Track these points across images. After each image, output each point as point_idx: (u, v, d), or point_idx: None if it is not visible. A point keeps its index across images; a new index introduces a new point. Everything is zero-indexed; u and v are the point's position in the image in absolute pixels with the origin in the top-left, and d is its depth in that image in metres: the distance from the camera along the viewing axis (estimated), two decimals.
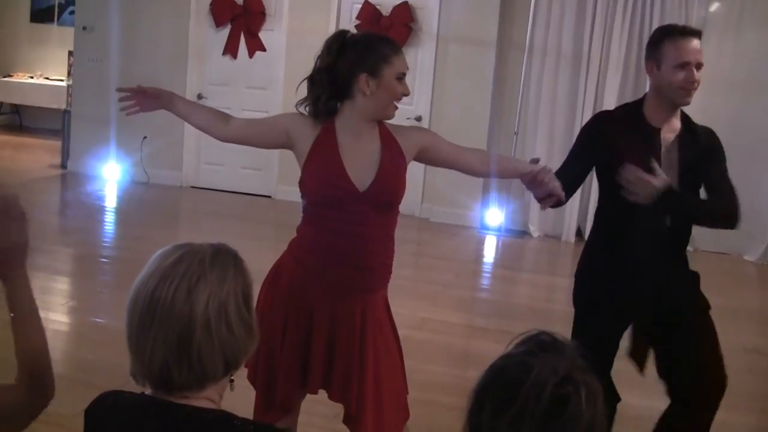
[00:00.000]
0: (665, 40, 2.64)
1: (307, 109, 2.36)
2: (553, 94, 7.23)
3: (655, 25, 6.83)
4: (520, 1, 7.21)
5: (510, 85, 7.32)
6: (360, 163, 2.32)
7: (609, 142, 2.69)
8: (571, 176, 2.73)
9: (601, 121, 2.87)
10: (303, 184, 2.37)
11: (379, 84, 2.30)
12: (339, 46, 2.32)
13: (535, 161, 2.56)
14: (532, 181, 2.50)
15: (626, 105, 2.89)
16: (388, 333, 2.50)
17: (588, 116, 6.89)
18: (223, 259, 1.37)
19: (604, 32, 7.11)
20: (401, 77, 2.35)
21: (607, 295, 2.75)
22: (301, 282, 2.36)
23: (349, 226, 2.32)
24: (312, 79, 2.34)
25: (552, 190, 2.49)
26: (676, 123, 2.73)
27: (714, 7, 7.14)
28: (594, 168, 2.87)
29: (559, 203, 2.62)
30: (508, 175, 2.72)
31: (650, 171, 2.50)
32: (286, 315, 2.36)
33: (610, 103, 7.04)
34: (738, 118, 6.90)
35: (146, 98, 2.44)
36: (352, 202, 2.31)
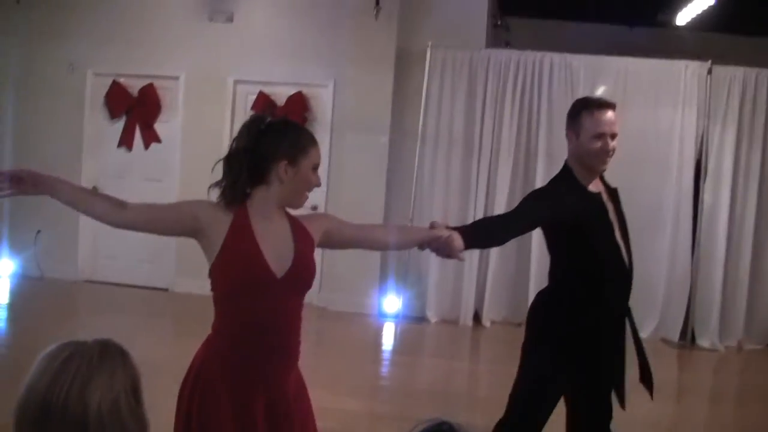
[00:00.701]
0: (583, 112, 2.97)
1: (222, 193, 2.35)
2: (447, 180, 7.47)
3: (544, 110, 7.22)
4: (412, 89, 7.50)
5: (404, 172, 7.54)
6: (276, 248, 2.33)
7: (564, 207, 2.94)
8: (515, 224, 2.99)
9: (548, 192, 3.10)
10: (217, 273, 2.32)
11: (297, 173, 2.34)
12: (258, 130, 2.34)
13: (434, 225, 2.74)
14: (432, 244, 2.67)
15: (556, 179, 3.09)
16: (309, 404, 2.56)
17: (482, 200, 7.21)
18: (111, 356, 1.39)
19: (494, 118, 7.42)
20: (315, 168, 2.40)
21: (594, 347, 3.01)
22: (231, 377, 2.31)
23: (267, 314, 2.31)
24: (230, 161, 2.34)
25: (452, 252, 2.66)
26: (599, 183, 3.08)
27: (600, 91, 7.49)
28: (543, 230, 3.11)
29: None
30: (410, 243, 2.84)
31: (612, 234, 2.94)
32: (220, 412, 2.30)
33: (503, 187, 7.34)
34: (625, 195, 7.17)
35: (21, 183, 2.31)
36: (270, 288, 2.29)
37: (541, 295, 3.19)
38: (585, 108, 3.00)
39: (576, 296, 3.04)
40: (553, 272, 3.14)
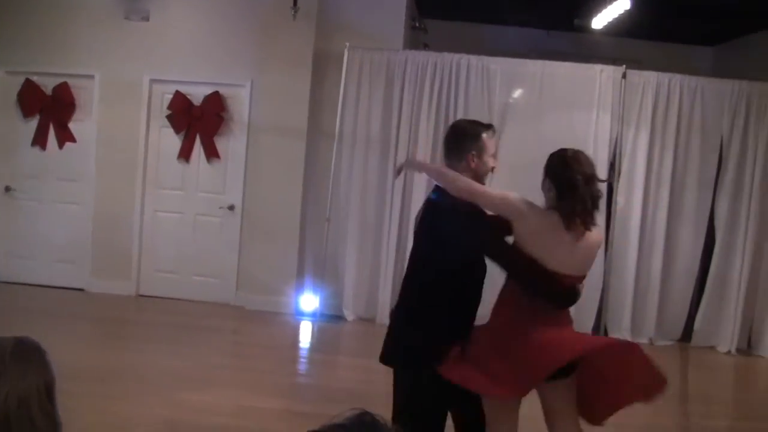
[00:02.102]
0: (483, 135, 3.43)
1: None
2: (364, 180, 7.86)
3: (461, 111, 7.65)
4: (329, 90, 7.88)
5: (321, 171, 7.92)
6: None
7: None
8: None
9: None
10: None
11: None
12: None
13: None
14: None
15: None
16: None
17: (398, 200, 7.64)
18: (25, 353, 1.43)
19: (411, 119, 7.82)
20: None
21: None
22: None
23: None
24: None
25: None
26: None
27: (516, 94, 8.02)
28: None
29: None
30: None
31: None
32: None
33: (419, 187, 7.72)
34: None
35: None
36: None
37: None
38: (485, 130, 3.48)
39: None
40: None
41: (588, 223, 3.24)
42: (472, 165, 3.42)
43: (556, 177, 3.27)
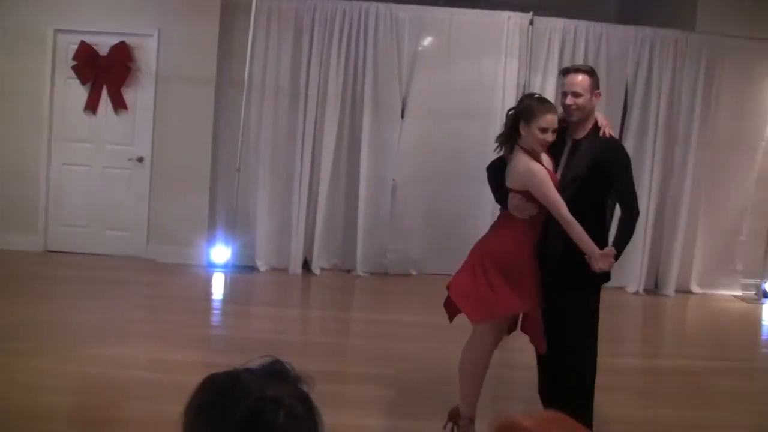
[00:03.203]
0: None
1: None
2: (274, 130, 8.13)
3: (370, 60, 7.99)
4: (238, 39, 8.11)
5: (231, 121, 8.16)
6: None
7: None
8: None
9: None
10: None
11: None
12: None
13: None
14: None
15: None
16: None
17: (309, 149, 7.97)
18: None
19: (321, 68, 8.12)
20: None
21: None
22: None
23: None
24: None
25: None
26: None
27: (426, 41, 8.43)
28: None
29: None
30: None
31: None
32: None
33: (330, 136, 8.08)
34: (452, 144, 8.20)
35: None
36: None
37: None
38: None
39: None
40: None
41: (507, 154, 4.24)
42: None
43: None
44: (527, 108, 3.99)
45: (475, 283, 4.04)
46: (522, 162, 4.00)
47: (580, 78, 4.09)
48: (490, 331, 4.15)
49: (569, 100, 4.05)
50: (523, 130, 3.98)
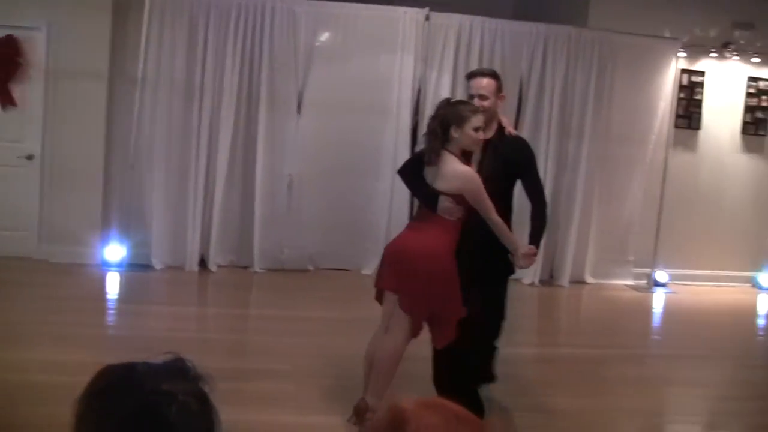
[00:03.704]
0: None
1: None
2: (169, 126, 8.71)
3: (266, 55, 8.55)
4: (132, 33, 8.65)
5: (124, 117, 8.68)
6: None
7: None
8: None
9: None
10: None
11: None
12: None
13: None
14: None
15: None
16: None
17: (204, 146, 8.40)
18: None
19: (216, 64, 8.71)
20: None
21: None
22: None
23: None
24: None
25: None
26: None
27: (323, 37, 8.74)
28: None
29: None
30: None
31: None
32: None
33: (225, 132, 8.71)
34: (348, 139, 8.66)
35: None
36: None
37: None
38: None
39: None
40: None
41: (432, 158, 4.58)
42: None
43: None
44: (456, 113, 4.50)
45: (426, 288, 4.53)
46: (456, 167, 4.50)
47: (486, 81, 4.67)
48: (412, 326, 4.62)
49: (477, 103, 4.59)
50: (456, 134, 4.47)
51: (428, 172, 4.56)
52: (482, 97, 4.60)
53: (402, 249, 4.63)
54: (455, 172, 4.48)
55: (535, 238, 4.71)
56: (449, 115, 4.49)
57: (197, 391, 1.42)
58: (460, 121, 4.45)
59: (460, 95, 8.95)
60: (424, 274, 4.49)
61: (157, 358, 1.47)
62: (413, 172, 4.69)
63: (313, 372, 5.94)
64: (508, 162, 4.61)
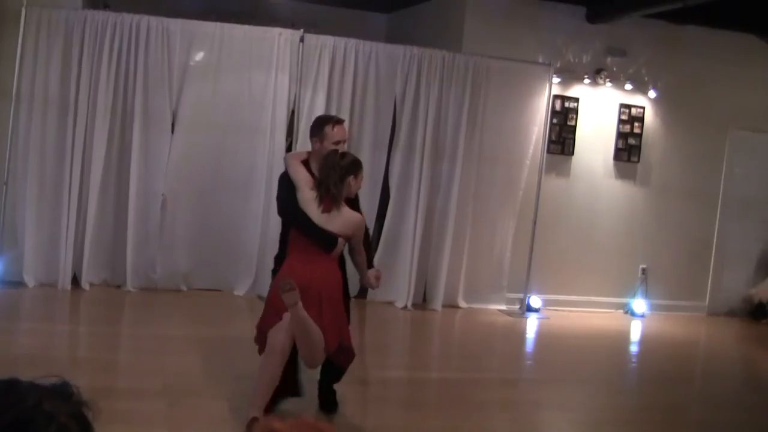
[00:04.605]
0: (326, 126, 6.98)
1: None
2: (43, 141, 11.29)
3: (141, 72, 11.29)
4: (6, 49, 11.21)
5: None
6: None
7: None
8: None
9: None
10: None
11: None
12: None
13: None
14: None
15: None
16: None
17: (78, 162, 11.06)
18: None
19: (91, 80, 11.37)
20: None
21: None
22: None
23: None
24: None
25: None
26: None
27: (198, 55, 11.87)
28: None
29: None
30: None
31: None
32: None
33: (99, 149, 11.32)
34: (221, 159, 11.81)
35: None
36: None
37: None
38: (329, 123, 7.05)
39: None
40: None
41: (327, 205, 6.69)
42: (317, 148, 7.03)
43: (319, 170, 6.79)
44: (354, 163, 6.79)
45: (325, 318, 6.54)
46: (353, 214, 6.77)
47: (346, 128, 7.27)
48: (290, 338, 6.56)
49: (342, 147, 7.04)
50: (352, 183, 6.71)
51: (319, 217, 6.60)
52: (344, 141, 7.08)
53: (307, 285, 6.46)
54: (354, 219, 6.70)
55: (370, 263, 7.14)
56: (348, 167, 6.63)
57: (80, 416, 1.76)
58: (357, 171, 6.69)
59: (334, 113, 11.74)
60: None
61: (43, 380, 1.81)
62: (302, 214, 6.70)
63: (185, 391, 7.55)
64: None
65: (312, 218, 6.62)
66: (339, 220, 6.64)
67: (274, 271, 7.16)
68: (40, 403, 1.72)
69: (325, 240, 6.63)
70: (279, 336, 6.45)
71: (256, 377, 6.49)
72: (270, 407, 6.56)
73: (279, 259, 7.17)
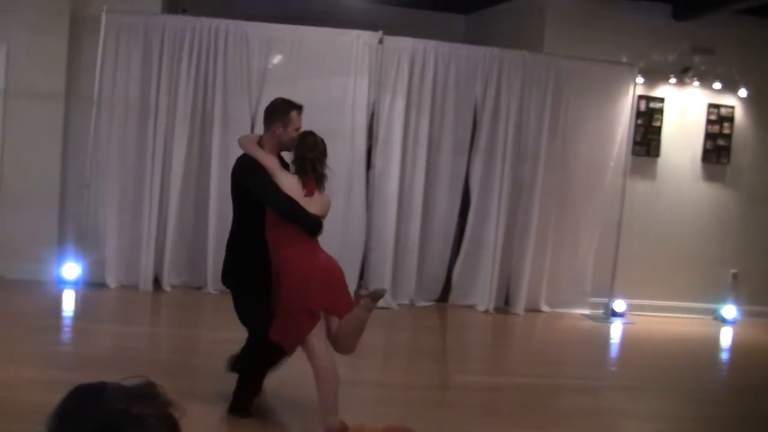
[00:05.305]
0: (291, 112, 6.93)
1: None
2: (124, 146, 11.62)
3: (220, 77, 11.55)
4: (87, 54, 11.56)
5: (80, 137, 11.58)
6: None
7: None
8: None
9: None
10: None
11: None
12: None
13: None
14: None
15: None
16: None
17: (158, 166, 11.39)
18: None
19: (170, 85, 11.66)
20: None
21: None
22: None
23: None
24: None
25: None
26: None
27: (276, 59, 12.04)
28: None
29: None
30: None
31: None
32: None
33: (180, 152, 11.61)
34: None
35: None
36: None
37: None
38: (295, 109, 6.93)
39: None
40: None
41: (311, 188, 6.67)
42: (278, 133, 6.89)
43: (295, 153, 6.81)
44: (324, 150, 6.88)
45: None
46: (327, 195, 6.89)
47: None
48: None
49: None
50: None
51: (304, 202, 6.58)
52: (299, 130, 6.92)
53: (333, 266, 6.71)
54: (329, 200, 6.85)
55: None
56: (324, 152, 6.80)
57: (167, 417, 1.83)
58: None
59: (414, 118, 11.85)
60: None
61: (129, 381, 1.88)
62: (285, 200, 6.66)
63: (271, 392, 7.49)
64: None
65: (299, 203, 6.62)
66: (320, 203, 6.73)
67: (240, 280, 7.31)
68: (129, 408, 1.82)
69: (314, 224, 6.69)
70: (321, 342, 6.58)
71: (323, 388, 6.50)
72: (247, 408, 7.03)
73: (243, 266, 7.27)
